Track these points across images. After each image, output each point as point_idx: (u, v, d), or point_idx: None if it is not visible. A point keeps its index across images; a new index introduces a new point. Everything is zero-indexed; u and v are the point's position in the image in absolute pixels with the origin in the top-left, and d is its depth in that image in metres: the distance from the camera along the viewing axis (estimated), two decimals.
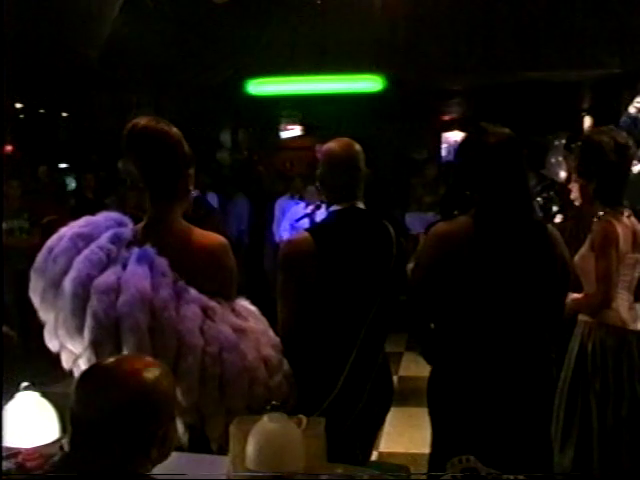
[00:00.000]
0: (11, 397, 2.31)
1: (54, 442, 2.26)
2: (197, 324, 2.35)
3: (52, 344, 2.46)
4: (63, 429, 2.31)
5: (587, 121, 9.52)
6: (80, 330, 2.33)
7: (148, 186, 2.50)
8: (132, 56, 8.10)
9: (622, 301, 3.29)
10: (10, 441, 2.24)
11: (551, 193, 7.23)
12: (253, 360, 2.42)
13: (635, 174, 5.40)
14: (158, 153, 2.45)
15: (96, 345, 2.30)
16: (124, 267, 2.38)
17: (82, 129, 10.72)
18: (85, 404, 1.60)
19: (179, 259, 2.41)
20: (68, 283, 2.36)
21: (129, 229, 2.52)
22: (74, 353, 2.41)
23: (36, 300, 2.46)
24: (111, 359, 1.72)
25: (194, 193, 2.74)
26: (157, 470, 1.67)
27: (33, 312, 2.52)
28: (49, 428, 2.31)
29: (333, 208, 2.88)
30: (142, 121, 2.48)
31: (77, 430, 1.60)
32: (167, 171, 2.47)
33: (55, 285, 2.40)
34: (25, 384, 2.33)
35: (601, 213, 3.28)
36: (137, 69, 8.36)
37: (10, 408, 2.27)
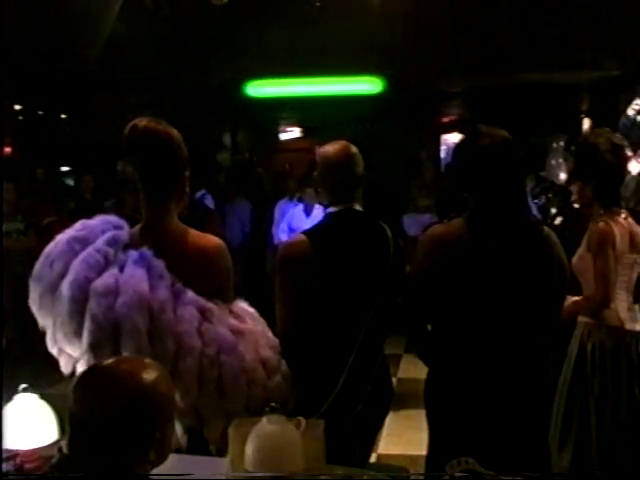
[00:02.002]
0: (10, 399, 2.31)
1: (53, 444, 2.26)
2: (195, 326, 2.35)
3: (54, 350, 2.46)
4: (62, 431, 2.31)
5: (586, 123, 9.53)
6: (78, 333, 2.33)
7: (146, 188, 2.49)
8: (131, 58, 8.10)
9: (621, 302, 3.29)
10: (9, 443, 2.23)
11: (550, 195, 7.24)
12: (251, 361, 2.41)
13: (635, 175, 5.41)
14: (159, 154, 2.45)
15: (95, 348, 2.30)
16: (121, 269, 2.37)
17: (81, 131, 10.71)
18: (84, 405, 1.59)
19: (176, 261, 2.41)
20: (66, 286, 2.35)
21: (125, 232, 2.51)
22: (72, 357, 2.40)
23: (34, 306, 2.45)
24: (110, 360, 1.71)
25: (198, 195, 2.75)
26: (156, 472, 1.66)
27: (31, 315, 2.51)
28: (48, 430, 2.31)
29: (330, 210, 2.89)
30: (143, 122, 2.46)
31: (76, 431, 1.59)
32: (166, 173, 2.47)
33: (52, 289, 2.38)
34: (24, 386, 2.33)
35: (600, 214, 3.29)
36: (136, 71, 8.36)
37: (9, 410, 2.27)
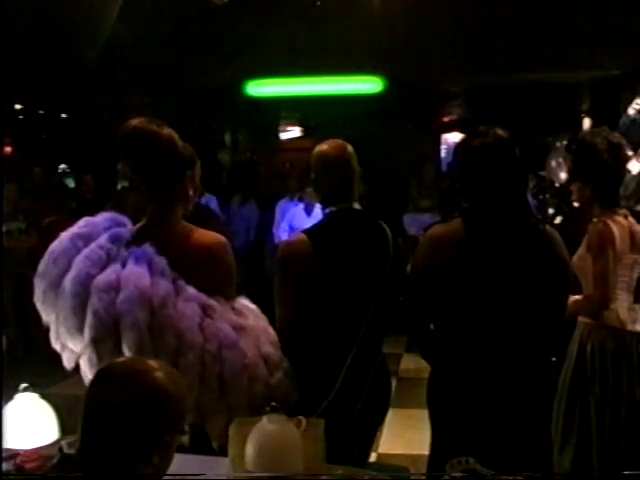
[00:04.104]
0: (10, 398, 2.31)
1: (53, 443, 2.26)
2: (196, 322, 2.36)
3: (57, 346, 2.47)
4: (62, 430, 2.31)
5: (586, 123, 9.54)
6: (80, 328, 2.34)
7: (147, 187, 2.51)
8: (131, 57, 8.10)
9: (621, 302, 3.29)
10: (9, 442, 2.23)
11: (547, 195, 7.22)
12: (253, 358, 2.42)
13: (636, 175, 5.41)
14: (149, 154, 2.46)
15: (96, 342, 2.31)
16: (123, 266, 2.39)
17: (81, 130, 10.71)
18: (100, 398, 1.60)
19: (178, 258, 2.42)
20: (68, 282, 2.37)
21: (128, 229, 2.53)
22: (75, 352, 2.41)
23: (39, 302, 2.47)
24: (132, 358, 1.72)
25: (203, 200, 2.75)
26: None
27: (32, 314, 2.52)
28: (48, 429, 2.31)
29: (329, 210, 2.89)
30: (133, 122, 2.47)
31: (88, 426, 1.59)
32: (161, 172, 2.48)
33: (56, 285, 2.40)
34: (24, 385, 2.33)
35: (599, 214, 3.28)
36: (136, 70, 8.36)
37: (9, 409, 2.27)
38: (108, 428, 1.57)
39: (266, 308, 2.68)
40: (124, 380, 1.61)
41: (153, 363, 1.68)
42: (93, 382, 1.66)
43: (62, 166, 11.39)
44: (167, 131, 2.49)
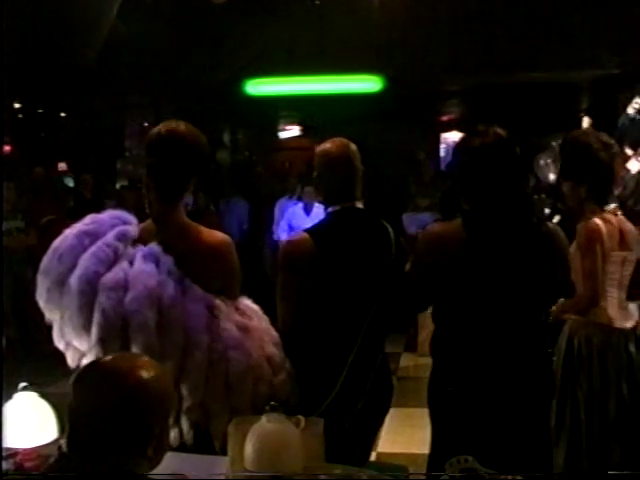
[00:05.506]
0: (9, 397, 2.31)
1: (52, 442, 2.26)
2: (203, 321, 2.36)
3: (60, 344, 2.46)
4: (61, 429, 2.31)
5: (585, 122, 9.52)
6: (87, 327, 2.33)
7: (158, 187, 2.49)
8: (130, 56, 8.10)
9: (611, 299, 3.28)
10: (9, 441, 2.23)
11: (543, 195, 7.21)
12: (257, 358, 2.42)
13: (635, 174, 5.40)
14: (192, 157, 2.48)
15: (104, 342, 2.31)
16: (131, 264, 2.38)
17: (81, 129, 10.71)
18: (83, 400, 1.60)
19: (185, 257, 2.42)
20: (74, 280, 2.35)
21: (134, 227, 2.52)
22: (80, 351, 2.41)
23: (41, 300, 2.45)
24: (109, 356, 1.73)
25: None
26: (157, 470, 1.66)
27: (31, 313, 2.51)
28: (47, 428, 2.30)
29: (331, 209, 2.88)
30: (181, 127, 2.48)
31: (75, 426, 1.59)
32: (186, 173, 2.49)
33: (61, 283, 2.39)
34: (23, 384, 2.33)
35: (590, 212, 3.28)
36: (135, 69, 8.36)
37: (9, 408, 2.27)
38: (95, 428, 1.56)
39: (267, 308, 2.68)
40: (106, 379, 1.61)
41: (137, 360, 1.69)
42: (77, 380, 1.65)
43: (61, 165, 11.39)
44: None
